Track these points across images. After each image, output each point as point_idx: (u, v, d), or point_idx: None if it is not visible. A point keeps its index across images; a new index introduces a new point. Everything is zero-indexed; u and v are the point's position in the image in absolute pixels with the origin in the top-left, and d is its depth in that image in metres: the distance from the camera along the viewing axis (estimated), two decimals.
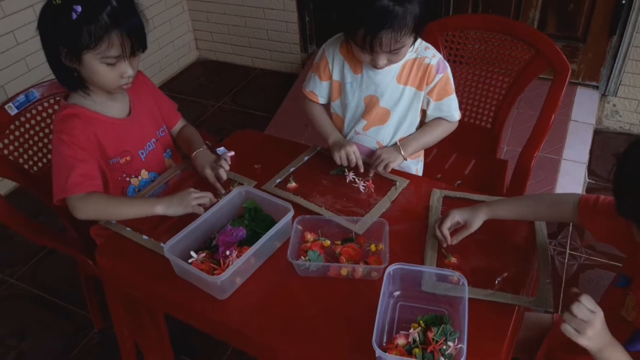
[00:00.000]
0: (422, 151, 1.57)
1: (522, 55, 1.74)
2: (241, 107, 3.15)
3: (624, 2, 2.33)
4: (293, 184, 1.38)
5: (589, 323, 0.86)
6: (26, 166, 1.52)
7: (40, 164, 1.56)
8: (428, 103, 1.40)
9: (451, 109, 1.41)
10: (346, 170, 1.40)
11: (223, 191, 1.35)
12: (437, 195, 1.31)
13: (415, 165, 1.56)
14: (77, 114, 1.28)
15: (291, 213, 1.18)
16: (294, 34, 3.20)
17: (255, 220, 1.24)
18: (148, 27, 1.23)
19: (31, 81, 2.71)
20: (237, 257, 1.11)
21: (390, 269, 1.03)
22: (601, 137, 2.66)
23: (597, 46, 2.51)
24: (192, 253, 1.14)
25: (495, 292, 1.06)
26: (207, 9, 3.37)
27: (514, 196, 1.58)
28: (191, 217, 1.24)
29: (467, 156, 1.91)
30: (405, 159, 1.40)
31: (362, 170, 1.36)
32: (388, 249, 1.11)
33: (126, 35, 1.18)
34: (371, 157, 1.43)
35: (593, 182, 2.41)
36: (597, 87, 2.64)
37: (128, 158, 1.38)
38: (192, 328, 1.17)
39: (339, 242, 1.20)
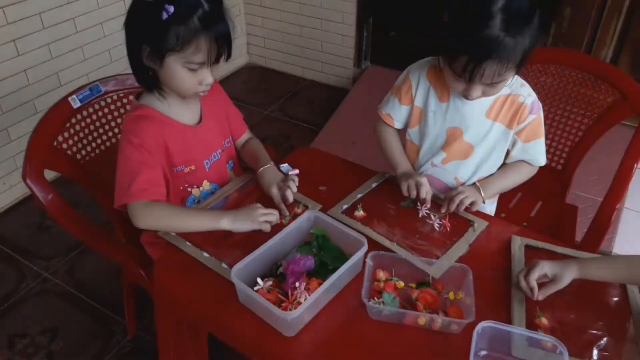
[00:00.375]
0: None
1: (605, 97, 1.64)
2: (288, 117, 3.08)
3: None
4: (361, 213, 1.29)
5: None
6: (82, 161, 1.47)
7: (102, 164, 1.51)
8: (514, 144, 1.30)
9: (537, 153, 1.31)
10: (418, 203, 1.30)
11: (287, 213, 1.27)
12: (518, 243, 1.21)
13: (490, 206, 1.46)
14: (148, 116, 1.22)
15: (365, 248, 1.09)
16: (349, 48, 3.13)
17: (323, 250, 1.16)
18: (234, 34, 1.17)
19: (113, 72, 2.75)
20: (306, 290, 1.03)
21: (480, 327, 0.93)
22: None
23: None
24: (259, 280, 1.06)
25: None
26: (263, 14, 3.33)
27: (590, 248, 1.50)
28: (254, 236, 1.17)
29: (533, 196, 1.80)
30: (484, 202, 1.30)
31: (428, 205, 1.27)
32: (474, 301, 1.01)
33: (214, 41, 1.11)
34: (445, 192, 1.34)
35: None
36: None
37: (193, 167, 1.32)
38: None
39: (413, 285, 1.11)
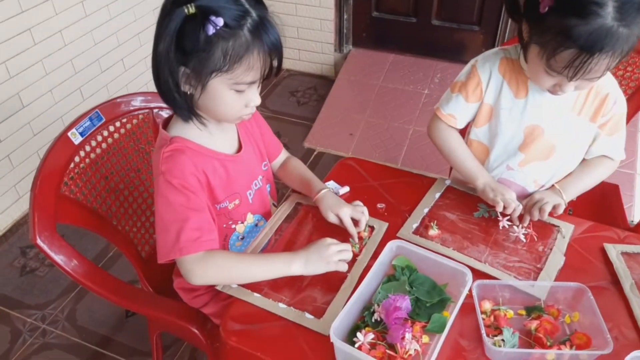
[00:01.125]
0: None
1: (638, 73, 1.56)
2: (271, 112, 2.88)
3: None
4: (436, 231, 1.15)
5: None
6: (95, 206, 1.24)
7: (115, 205, 1.29)
8: (596, 138, 1.19)
9: (619, 147, 1.21)
10: (494, 212, 1.18)
11: (357, 241, 1.11)
12: (614, 252, 1.10)
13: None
14: (185, 149, 1.02)
15: (470, 278, 0.96)
16: (329, 32, 2.94)
17: (413, 285, 1.01)
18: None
19: (128, 79, 2.62)
20: (413, 338, 0.89)
21: (630, 357, 0.82)
22: None
23: None
24: (359, 335, 0.90)
25: None
26: None
27: None
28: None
29: None
30: (566, 205, 1.19)
31: (520, 221, 1.15)
32: (605, 326, 0.90)
33: (267, 54, 0.92)
34: (522, 197, 1.23)
35: None
36: None
37: (237, 202, 1.13)
38: None
39: (523, 312, 0.99)
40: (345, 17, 2.90)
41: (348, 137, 2.61)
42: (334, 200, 1.14)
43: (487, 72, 1.18)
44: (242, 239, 1.18)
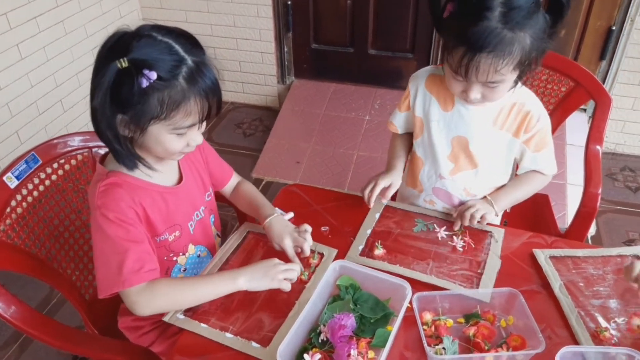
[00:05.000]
0: None
1: (559, 87, 1.69)
2: (218, 146, 2.89)
3: (614, 27, 2.39)
4: (381, 251, 1.19)
5: None
6: (34, 250, 1.22)
7: (55, 248, 1.26)
8: (523, 154, 1.27)
9: (548, 162, 1.29)
10: (432, 225, 1.24)
11: (302, 267, 1.14)
12: (543, 257, 1.18)
13: (498, 218, 1.43)
14: (121, 183, 1.03)
15: (409, 292, 1.00)
16: (270, 65, 3.01)
17: (357, 302, 1.05)
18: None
19: (68, 120, 2.59)
20: (360, 355, 0.92)
21: (562, 353, 0.88)
22: None
23: (589, 65, 2.56)
24: (306, 357, 0.92)
25: None
26: None
27: (577, 236, 1.54)
28: (271, 297, 1.04)
29: None
30: (497, 215, 1.27)
31: (374, 197, 1.28)
32: (537, 327, 0.96)
33: (204, 98, 0.95)
34: (455, 206, 1.31)
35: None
36: (585, 110, 2.69)
37: (177, 233, 1.14)
38: None
39: (462, 320, 1.03)
40: (285, 49, 2.98)
41: (295, 166, 2.65)
42: (279, 229, 1.16)
43: (415, 86, 1.29)
44: (185, 270, 1.19)
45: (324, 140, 2.78)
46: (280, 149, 2.75)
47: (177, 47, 0.93)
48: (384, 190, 1.29)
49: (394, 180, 1.30)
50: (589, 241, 2.22)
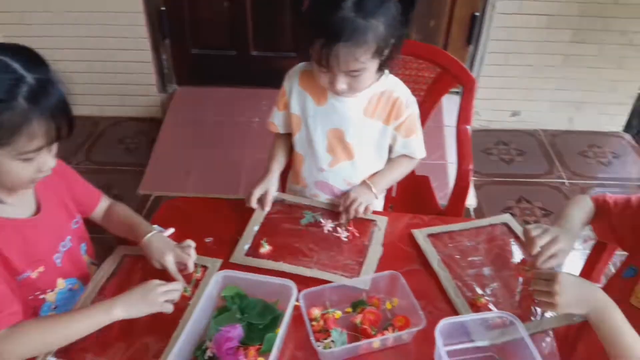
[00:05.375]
0: None
1: (428, 74, 1.78)
2: (99, 165, 2.72)
3: (477, 13, 2.57)
4: (267, 248, 1.18)
5: (553, 291, 0.87)
6: None
7: None
8: (395, 139, 1.32)
9: (416, 147, 1.34)
10: (319, 216, 1.26)
11: (187, 284, 1.09)
12: (421, 236, 1.23)
13: (380, 202, 1.47)
14: None
15: (295, 290, 0.99)
16: (149, 74, 2.88)
17: (244, 310, 1.02)
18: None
19: None
20: None
21: (441, 325, 0.92)
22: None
23: (457, 55, 2.71)
24: None
25: (542, 318, 1.02)
26: None
27: (456, 211, 1.63)
28: (157, 321, 0.98)
29: None
30: (377, 197, 1.31)
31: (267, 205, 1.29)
32: (417, 304, 0.99)
33: (51, 118, 0.87)
34: (337, 196, 1.34)
35: (476, 178, 2.60)
36: (457, 93, 2.87)
37: (41, 269, 1.04)
38: None
39: (349, 310, 1.05)
40: (164, 57, 2.86)
41: (185, 176, 2.56)
42: (159, 246, 1.10)
43: (289, 84, 1.30)
44: (55, 308, 1.08)
45: (213, 146, 2.71)
46: (167, 161, 2.64)
47: (15, 65, 0.85)
48: (263, 197, 1.28)
49: (269, 185, 1.30)
50: (472, 214, 2.37)
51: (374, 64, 1.14)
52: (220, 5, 2.71)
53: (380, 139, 1.31)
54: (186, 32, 2.82)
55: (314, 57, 1.12)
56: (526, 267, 1.08)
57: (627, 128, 2.93)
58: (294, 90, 1.30)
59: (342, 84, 1.15)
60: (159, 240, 1.13)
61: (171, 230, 1.24)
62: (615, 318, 0.88)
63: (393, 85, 1.28)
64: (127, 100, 3.00)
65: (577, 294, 0.88)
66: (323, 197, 1.39)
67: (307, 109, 1.29)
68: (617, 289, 1.10)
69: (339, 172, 1.34)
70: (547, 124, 2.92)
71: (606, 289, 1.15)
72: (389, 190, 1.80)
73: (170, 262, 1.08)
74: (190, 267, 1.10)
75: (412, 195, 1.84)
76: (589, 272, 1.37)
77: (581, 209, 1.14)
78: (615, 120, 2.91)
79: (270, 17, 2.73)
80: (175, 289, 1.02)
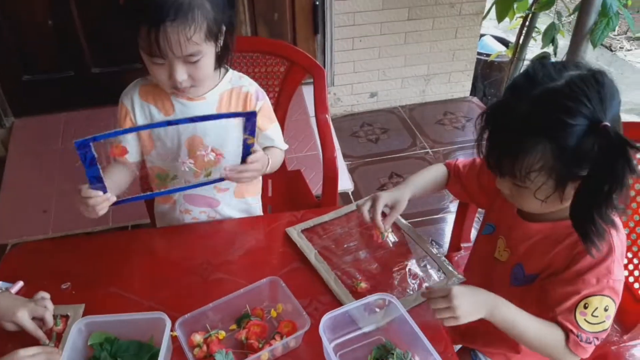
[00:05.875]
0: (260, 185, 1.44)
1: (278, 68, 1.77)
2: None
3: (317, 2, 2.61)
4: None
5: (452, 306, 0.89)
6: None
7: None
8: (258, 134, 1.26)
9: (280, 137, 1.31)
10: None
11: (48, 340, 0.96)
12: (295, 233, 1.21)
13: (257, 204, 1.42)
14: None
15: (168, 322, 0.92)
16: None
17: (117, 355, 0.93)
18: None
19: None
20: None
21: (323, 321, 0.90)
22: (336, 123, 2.95)
23: (306, 46, 2.76)
24: None
25: (419, 292, 1.05)
26: None
27: (330, 199, 1.65)
28: None
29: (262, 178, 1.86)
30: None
31: None
32: (300, 306, 0.97)
33: None
34: (211, 207, 1.30)
35: (349, 163, 2.67)
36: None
37: None
38: None
39: (234, 327, 1.00)
40: None
41: (43, 216, 2.30)
42: (7, 305, 0.96)
43: (129, 101, 1.21)
44: None
45: (70, 177, 2.47)
46: (18, 203, 2.35)
47: None
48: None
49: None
50: (351, 197, 2.43)
51: (210, 49, 1.09)
52: (44, 25, 2.47)
53: (240, 136, 1.26)
54: (12, 58, 2.52)
55: (145, 49, 1.04)
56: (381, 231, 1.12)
57: (473, 92, 3.20)
58: (137, 106, 1.20)
59: (182, 74, 1.08)
60: (6, 299, 0.98)
61: (19, 285, 1.09)
62: (505, 313, 0.92)
63: (239, 81, 1.24)
64: None
65: (473, 302, 0.90)
66: (196, 211, 1.31)
67: (155, 121, 1.20)
68: (482, 246, 1.17)
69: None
70: (403, 99, 3.08)
71: (474, 247, 1.24)
72: (265, 190, 1.77)
73: (24, 318, 0.94)
74: (49, 320, 0.97)
75: (287, 192, 1.83)
76: (458, 231, 1.47)
77: (428, 173, 1.22)
78: (462, 87, 3.15)
79: (104, 30, 2.53)
80: (37, 353, 0.89)
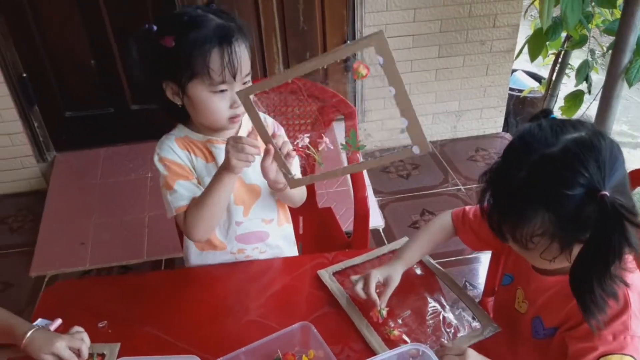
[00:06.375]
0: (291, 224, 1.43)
1: (311, 107, 1.81)
2: None
3: (348, 41, 2.66)
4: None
5: None
6: None
7: None
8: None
9: (298, 170, 1.31)
10: None
11: None
12: (327, 276, 1.21)
13: (292, 230, 1.42)
14: None
15: None
16: (23, 145, 2.66)
17: None
18: None
19: None
20: None
21: None
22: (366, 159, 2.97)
23: (338, 84, 2.80)
24: None
25: (453, 341, 1.03)
26: None
27: (362, 240, 1.64)
28: None
29: (292, 215, 1.87)
30: None
31: None
32: (332, 354, 0.96)
33: None
34: (261, 240, 1.30)
35: (379, 199, 2.66)
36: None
37: None
38: None
39: None
40: (36, 124, 2.66)
41: (80, 248, 2.37)
42: (45, 338, 0.99)
43: (173, 154, 1.18)
44: None
45: (107, 211, 2.54)
46: (57, 235, 2.43)
47: None
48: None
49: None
50: (382, 234, 2.42)
51: (250, 73, 1.13)
52: (86, 64, 2.59)
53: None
54: (55, 95, 2.65)
55: (214, 78, 1.06)
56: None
57: (506, 128, 3.18)
58: (182, 155, 1.19)
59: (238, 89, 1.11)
60: (43, 336, 1.01)
61: (58, 322, 1.12)
62: None
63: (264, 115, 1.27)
64: (2, 176, 2.75)
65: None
66: (249, 248, 1.31)
67: (199, 171, 1.20)
68: (503, 296, 1.15)
69: (255, 216, 1.28)
70: (434, 135, 3.08)
71: (496, 297, 1.22)
72: (296, 227, 1.78)
73: (62, 347, 0.98)
74: (84, 352, 1.00)
75: (318, 229, 1.83)
76: (493, 275, 1.43)
77: (433, 228, 1.21)
78: (494, 123, 3.13)
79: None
80: None
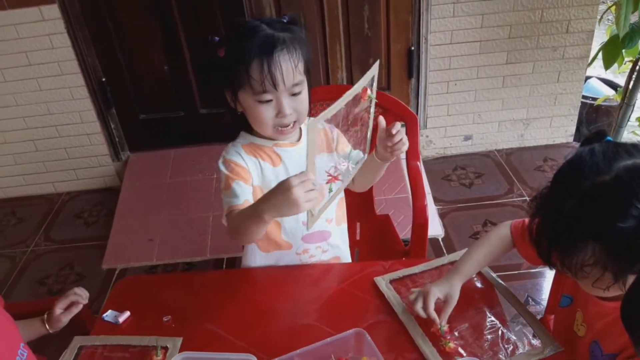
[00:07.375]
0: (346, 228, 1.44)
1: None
2: (59, 243, 2.64)
3: (412, 48, 2.64)
4: None
5: None
6: None
7: None
8: (348, 156, 1.25)
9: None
10: None
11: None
12: (384, 283, 1.21)
13: (346, 243, 1.43)
14: None
15: None
16: (100, 144, 2.84)
17: None
18: None
19: None
20: None
21: None
22: (427, 166, 2.92)
23: (400, 89, 2.79)
24: None
25: (511, 358, 1.00)
26: None
27: (419, 249, 1.62)
28: None
29: (350, 221, 1.87)
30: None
31: None
32: None
33: None
34: (325, 240, 1.32)
35: (440, 207, 2.62)
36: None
37: None
38: None
39: None
40: (112, 126, 2.84)
41: (149, 244, 2.50)
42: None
43: (239, 157, 1.21)
44: None
45: (175, 209, 2.66)
46: (128, 231, 2.58)
47: None
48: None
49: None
50: (441, 243, 2.38)
51: (306, 82, 1.15)
52: (160, 70, 2.73)
53: (344, 165, 1.27)
54: (131, 99, 2.81)
55: (255, 87, 1.09)
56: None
57: (577, 137, 3.03)
58: (248, 160, 1.21)
59: (288, 108, 1.13)
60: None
61: (127, 314, 1.19)
62: None
63: (311, 122, 1.26)
64: (80, 174, 2.95)
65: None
66: (314, 247, 1.33)
67: (266, 176, 1.23)
68: (561, 318, 1.10)
69: (322, 216, 1.29)
70: (499, 143, 2.99)
71: (555, 318, 1.18)
72: (353, 233, 1.79)
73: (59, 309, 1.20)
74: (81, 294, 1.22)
75: (375, 236, 1.83)
76: (557, 291, 1.37)
77: (491, 240, 1.17)
78: (564, 132, 3.00)
79: None
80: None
